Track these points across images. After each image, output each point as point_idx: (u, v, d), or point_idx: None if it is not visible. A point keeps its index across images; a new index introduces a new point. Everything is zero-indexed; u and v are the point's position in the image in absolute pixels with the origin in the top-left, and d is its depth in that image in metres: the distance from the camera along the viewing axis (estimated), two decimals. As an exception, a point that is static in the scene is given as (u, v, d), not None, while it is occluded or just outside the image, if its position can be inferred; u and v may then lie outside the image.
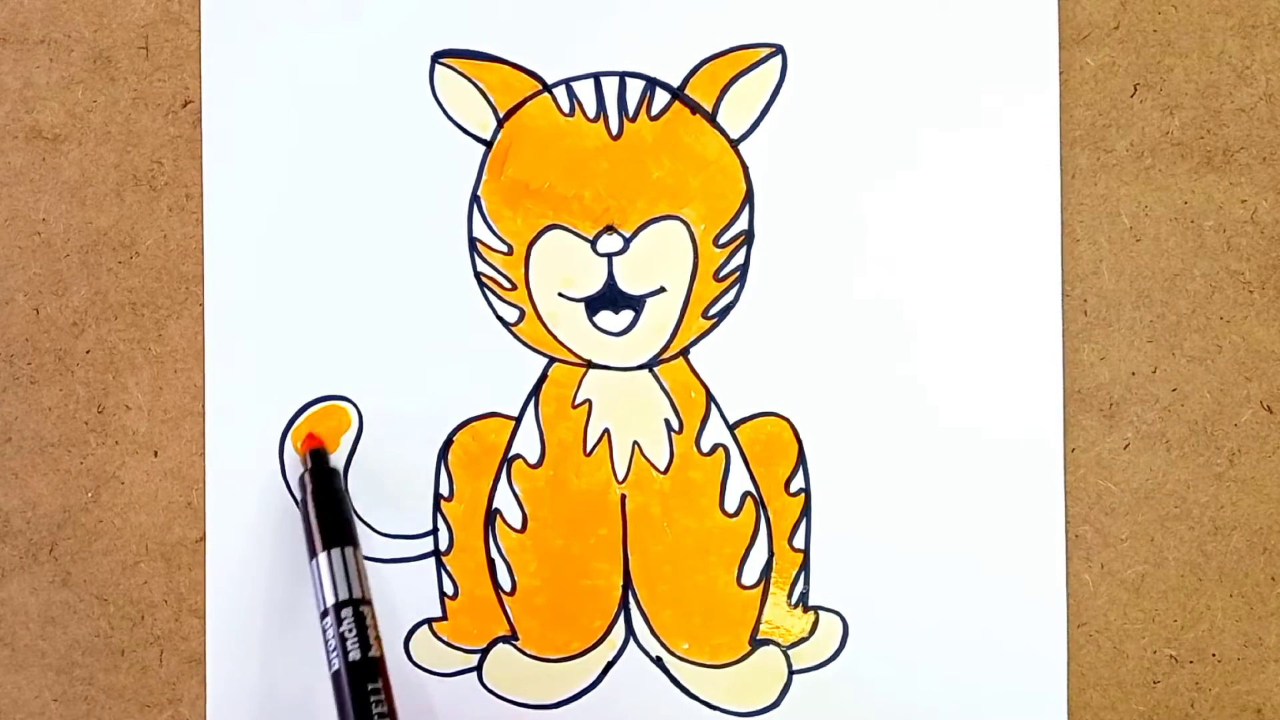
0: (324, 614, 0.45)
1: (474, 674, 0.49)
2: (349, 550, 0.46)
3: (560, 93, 0.49)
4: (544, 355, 0.49)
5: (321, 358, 0.49)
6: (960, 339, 0.49)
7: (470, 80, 0.49)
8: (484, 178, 0.49)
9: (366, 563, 0.49)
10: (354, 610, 0.44)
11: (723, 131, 0.49)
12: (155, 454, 0.49)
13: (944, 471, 0.48)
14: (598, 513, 0.49)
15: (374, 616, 0.45)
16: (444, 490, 0.49)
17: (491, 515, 0.49)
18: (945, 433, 0.48)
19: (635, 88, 0.49)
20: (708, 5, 0.49)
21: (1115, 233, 0.49)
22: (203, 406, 0.49)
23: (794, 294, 0.49)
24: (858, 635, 0.49)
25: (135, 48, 0.49)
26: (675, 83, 0.49)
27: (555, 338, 0.49)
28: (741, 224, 0.49)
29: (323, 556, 0.45)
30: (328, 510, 0.47)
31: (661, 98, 0.49)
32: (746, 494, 0.49)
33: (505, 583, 0.49)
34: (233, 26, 0.49)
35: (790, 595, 0.49)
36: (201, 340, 0.49)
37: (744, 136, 0.49)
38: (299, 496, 0.48)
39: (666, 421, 0.49)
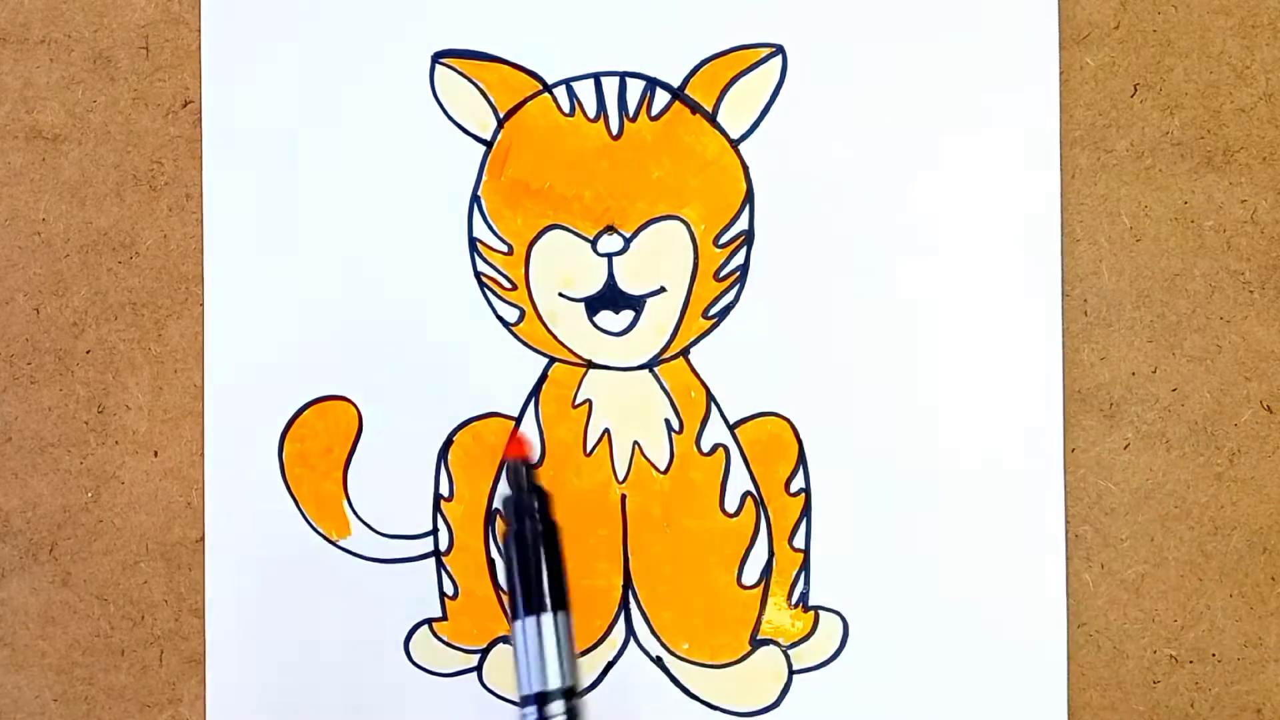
0: (533, 699, 0.36)
1: (474, 674, 0.49)
2: (563, 618, 0.38)
3: (560, 93, 0.49)
4: (544, 355, 0.49)
5: (321, 358, 0.49)
6: (960, 339, 0.49)
7: (470, 80, 0.49)
8: (484, 178, 0.49)
9: (369, 564, 0.49)
10: (567, 706, 0.36)
11: (723, 131, 0.49)
12: (155, 454, 0.49)
13: (944, 471, 0.48)
14: (598, 513, 0.49)
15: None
16: (444, 490, 0.49)
17: (492, 515, 0.49)
18: (945, 433, 0.48)
19: (635, 88, 0.49)
20: (708, 5, 0.49)
21: (1115, 233, 0.49)
22: (203, 406, 0.49)
23: (794, 294, 0.49)
24: (858, 635, 0.49)
25: (135, 48, 0.49)
26: (675, 83, 0.49)
27: (555, 338, 0.49)
28: (741, 224, 0.49)
29: (545, 620, 0.37)
30: (549, 559, 0.37)
31: (662, 98, 0.49)
32: (746, 494, 0.49)
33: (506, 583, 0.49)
34: (233, 26, 0.49)
35: (790, 595, 0.49)
36: (201, 340, 0.49)
37: (744, 136, 0.49)
38: (504, 530, 0.40)
39: (666, 421, 0.49)
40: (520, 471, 0.38)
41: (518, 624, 0.37)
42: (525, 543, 0.37)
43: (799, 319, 0.49)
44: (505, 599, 0.38)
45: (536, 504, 0.38)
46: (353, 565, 0.49)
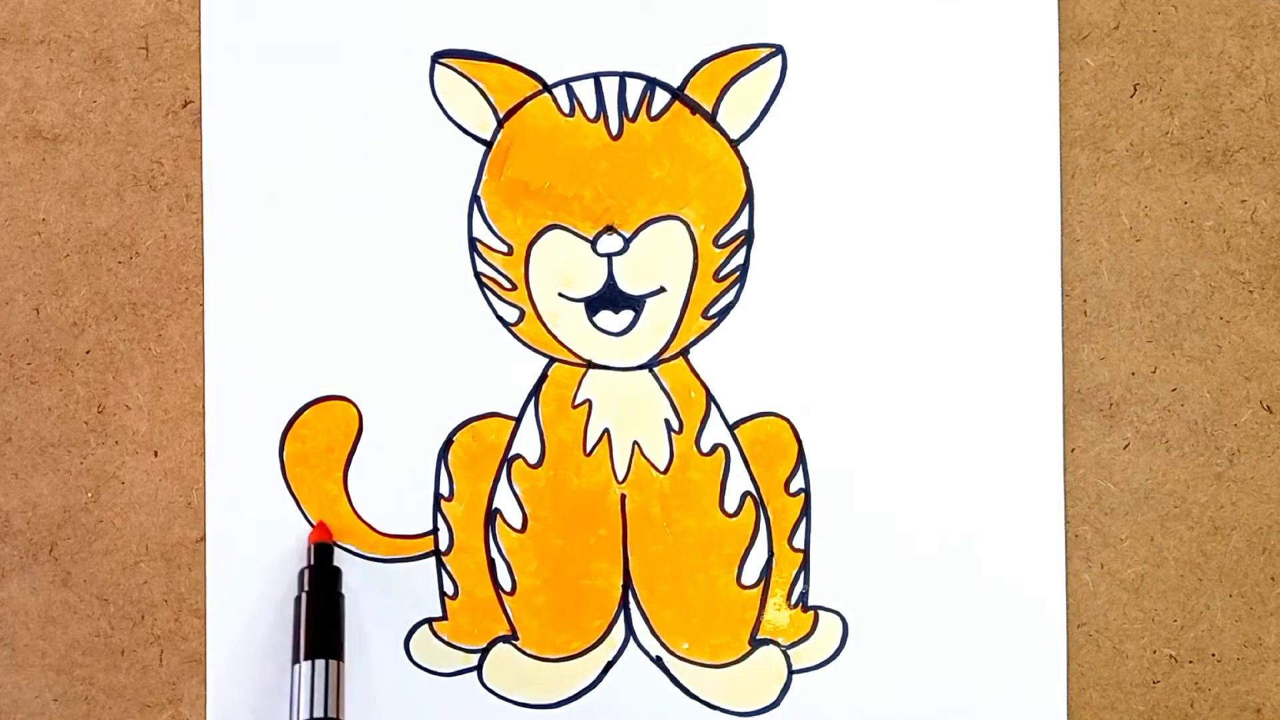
0: None
1: (474, 674, 0.49)
2: (332, 665, 0.46)
3: (560, 93, 0.49)
4: (544, 355, 0.49)
5: (321, 358, 0.49)
6: (960, 339, 0.49)
7: (470, 80, 0.49)
8: (484, 178, 0.49)
9: (369, 564, 0.49)
10: None
11: (723, 131, 0.49)
12: (155, 454, 0.49)
13: (944, 471, 0.48)
14: (598, 513, 0.49)
15: None
16: (444, 490, 0.49)
17: (492, 515, 0.49)
18: (945, 433, 0.49)
19: (635, 88, 0.49)
20: (708, 5, 0.49)
21: (1115, 233, 0.49)
22: (203, 406, 0.49)
23: (794, 294, 0.49)
24: (858, 635, 0.49)
25: (135, 48, 0.49)
26: (675, 83, 0.49)
27: (555, 338, 0.49)
28: (741, 224, 0.49)
29: (305, 666, 0.46)
30: (321, 616, 0.47)
31: (661, 98, 0.49)
32: (746, 494, 0.49)
33: (505, 582, 0.49)
34: (233, 26, 0.49)
35: (790, 595, 0.49)
36: (201, 340, 0.49)
37: (744, 136, 0.49)
38: (295, 591, 0.48)
39: (666, 421, 0.49)
40: (325, 550, 0.48)
41: (300, 665, 0.46)
42: (320, 604, 0.47)
43: (799, 319, 0.49)
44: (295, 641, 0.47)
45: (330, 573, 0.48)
46: (353, 565, 0.49)
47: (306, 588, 0.47)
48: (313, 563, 0.48)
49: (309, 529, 0.49)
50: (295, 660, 0.46)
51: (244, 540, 0.49)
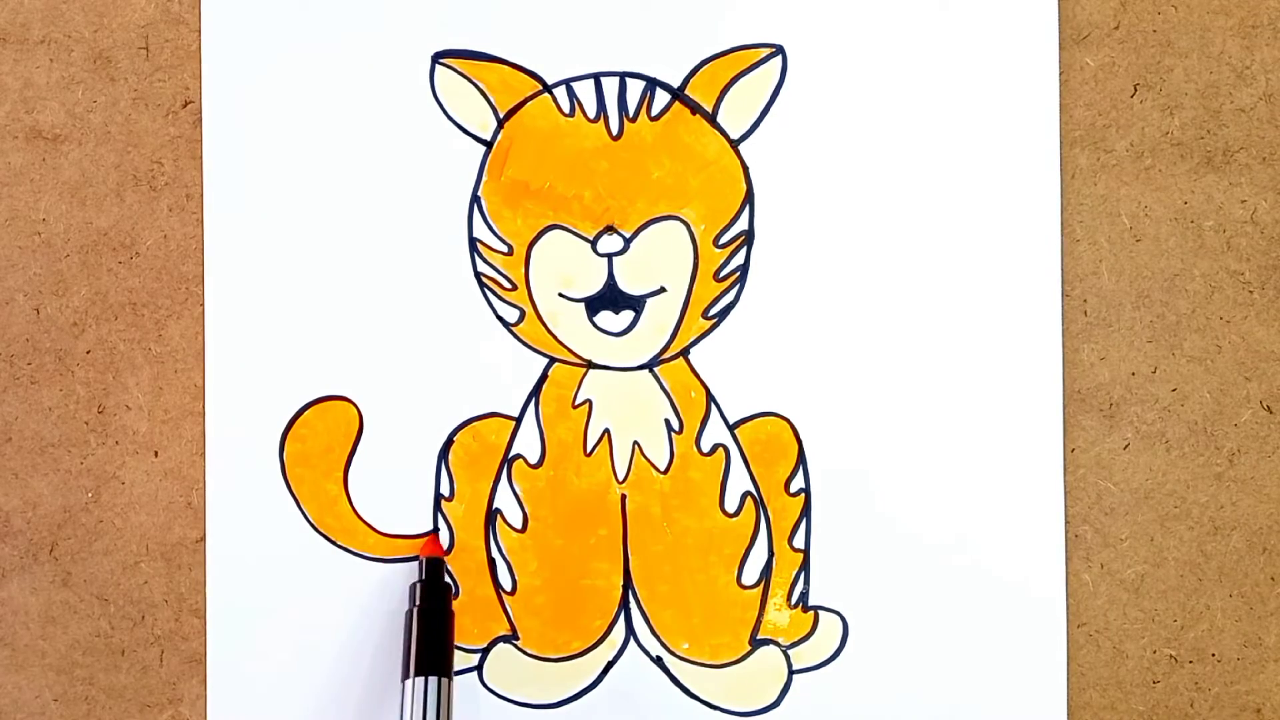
0: None
1: (474, 673, 0.49)
2: (444, 682, 0.46)
3: (560, 93, 0.49)
4: (544, 355, 0.49)
5: (321, 358, 0.49)
6: (960, 339, 0.49)
7: (470, 80, 0.49)
8: (484, 178, 0.49)
9: (369, 564, 0.49)
10: None
11: (723, 131, 0.49)
12: (155, 454, 0.49)
13: (944, 471, 0.48)
14: (598, 513, 0.49)
15: None
16: (444, 490, 0.49)
17: (492, 515, 0.49)
18: (945, 433, 0.49)
19: (635, 88, 0.49)
20: (708, 5, 0.49)
21: (1115, 233, 0.49)
22: (203, 406, 0.49)
23: (794, 294, 0.49)
24: (858, 635, 0.49)
25: (135, 48, 0.49)
26: (675, 83, 0.49)
27: (555, 338, 0.49)
28: (741, 224, 0.49)
29: (417, 682, 0.45)
30: (434, 632, 0.47)
31: (662, 98, 0.49)
32: (746, 494, 0.49)
33: (506, 582, 0.49)
34: (233, 26, 0.49)
35: (790, 595, 0.49)
36: (201, 340, 0.49)
37: (744, 136, 0.49)
38: (407, 605, 0.48)
39: (666, 421, 0.49)
40: (436, 565, 0.48)
41: (411, 681, 0.45)
42: (432, 620, 0.47)
43: (799, 319, 0.49)
44: (405, 657, 0.47)
45: (442, 589, 0.48)
46: (353, 565, 0.49)
47: (419, 603, 0.47)
48: (424, 577, 0.48)
49: (310, 529, 0.49)
50: (406, 675, 0.46)
51: (244, 540, 0.49)
